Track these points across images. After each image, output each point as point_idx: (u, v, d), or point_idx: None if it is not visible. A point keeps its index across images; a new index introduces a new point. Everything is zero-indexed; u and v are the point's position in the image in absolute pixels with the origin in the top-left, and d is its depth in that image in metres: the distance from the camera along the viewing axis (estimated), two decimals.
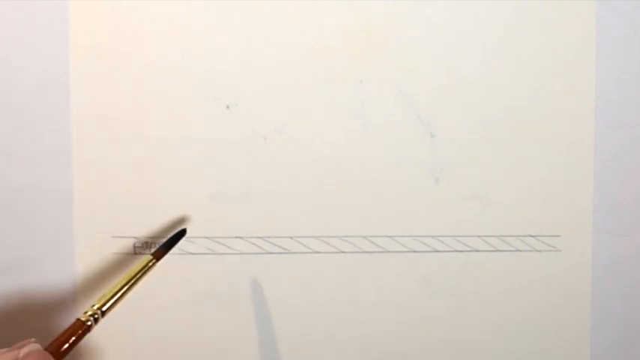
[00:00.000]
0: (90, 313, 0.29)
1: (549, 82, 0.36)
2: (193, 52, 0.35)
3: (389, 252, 0.36)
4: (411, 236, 0.36)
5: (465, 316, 0.37)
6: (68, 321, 0.35)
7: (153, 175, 0.35)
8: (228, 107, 0.35)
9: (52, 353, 0.28)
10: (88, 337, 0.35)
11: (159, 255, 0.33)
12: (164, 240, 0.34)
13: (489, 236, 0.36)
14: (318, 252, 0.36)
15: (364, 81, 0.36)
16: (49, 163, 0.35)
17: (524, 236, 0.36)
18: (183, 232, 0.35)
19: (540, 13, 0.36)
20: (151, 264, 0.33)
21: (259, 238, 0.36)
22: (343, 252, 0.36)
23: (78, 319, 0.29)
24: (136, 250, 0.35)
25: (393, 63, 0.36)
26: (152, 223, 0.35)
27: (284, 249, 0.36)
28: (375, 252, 0.36)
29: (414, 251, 0.36)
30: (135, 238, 0.35)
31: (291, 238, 0.36)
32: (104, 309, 0.30)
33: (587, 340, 0.37)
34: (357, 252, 0.36)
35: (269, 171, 0.36)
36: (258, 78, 0.35)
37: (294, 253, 0.36)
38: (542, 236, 0.37)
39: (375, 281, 0.36)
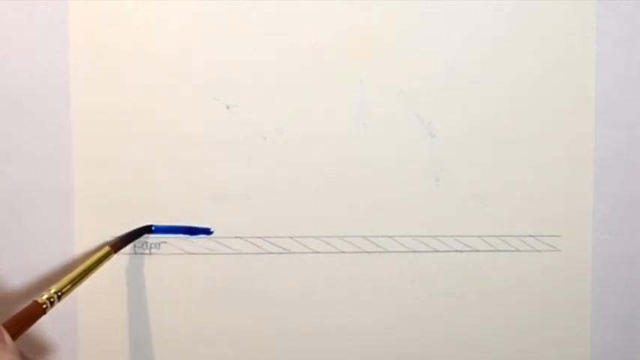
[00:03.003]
0: (47, 296, 0.30)
1: (549, 82, 0.36)
2: (193, 52, 0.35)
3: (389, 252, 0.36)
4: (411, 236, 0.36)
5: (465, 316, 0.37)
6: (68, 322, 0.35)
7: (153, 175, 0.35)
8: (228, 107, 0.35)
9: (6, 329, 0.28)
10: (89, 336, 0.35)
11: (117, 247, 0.34)
12: (127, 232, 0.35)
13: (489, 236, 0.36)
14: (318, 252, 0.36)
15: (364, 81, 0.36)
16: (49, 163, 0.35)
17: (524, 236, 0.37)
18: (147, 229, 0.35)
19: (540, 13, 0.36)
20: (108, 255, 0.33)
21: (259, 238, 0.36)
22: (343, 252, 0.36)
23: (35, 301, 0.30)
24: (136, 250, 0.35)
25: (393, 63, 0.36)
26: (152, 223, 0.35)
27: (284, 249, 0.36)
28: (375, 252, 0.36)
29: (414, 251, 0.36)
30: None
31: (291, 238, 0.36)
32: (60, 294, 0.30)
33: (587, 340, 0.37)
34: (357, 252, 0.36)
35: (269, 171, 0.36)
36: (258, 78, 0.35)
37: (294, 253, 0.36)
38: (542, 236, 0.37)
39: (375, 281, 0.36)
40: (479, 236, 0.36)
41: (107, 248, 0.33)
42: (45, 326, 0.35)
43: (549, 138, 0.36)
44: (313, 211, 0.36)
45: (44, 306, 0.30)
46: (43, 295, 0.30)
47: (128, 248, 0.35)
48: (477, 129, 0.36)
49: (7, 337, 0.27)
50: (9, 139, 0.35)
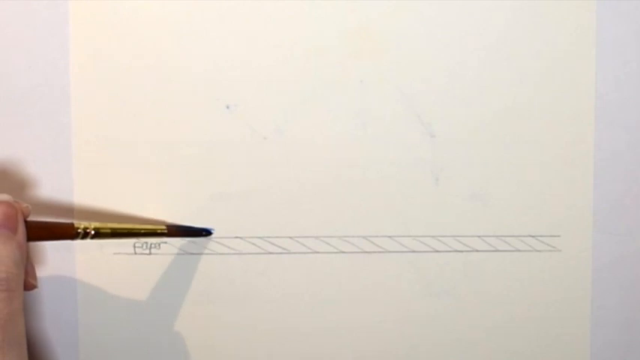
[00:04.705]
0: (84, 225, 0.30)
1: (549, 82, 0.36)
2: (193, 53, 0.35)
3: (389, 252, 0.36)
4: (411, 236, 0.36)
5: (465, 316, 0.37)
6: (68, 323, 0.35)
7: (153, 175, 0.35)
8: (228, 107, 0.35)
9: (29, 226, 0.28)
10: (89, 336, 0.35)
11: (172, 232, 0.34)
12: (189, 226, 0.35)
13: (489, 236, 0.36)
14: (318, 252, 0.36)
15: (364, 81, 0.36)
16: (49, 163, 0.35)
17: (524, 236, 0.36)
18: (207, 232, 0.35)
19: (540, 13, 0.36)
20: (160, 232, 0.34)
21: (259, 238, 0.36)
22: (343, 252, 0.36)
23: (72, 223, 0.30)
24: (136, 250, 0.35)
25: (393, 63, 0.36)
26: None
27: (284, 249, 0.36)
28: (374, 252, 0.36)
29: (414, 251, 0.36)
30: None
31: (291, 238, 0.36)
32: (97, 232, 0.31)
33: (586, 339, 0.37)
34: (356, 252, 0.36)
35: (269, 171, 0.36)
36: (258, 78, 0.35)
37: (294, 253, 0.36)
38: (542, 236, 0.37)
39: (375, 281, 0.36)
40: (479, 236, 0.36)
41: (164, 227, 0.34)
42: (45, 326, 0.35)
43: (549, 138, 0.36)
44: (313, 211, 0.36)
45: (78, 230, 0.30)
46: (82, 223, 0.30)
47: (128, 248, 0.35)
48: (477, 129, 0.36)
49: (22, 231, 0.27)
50: (9, 138, 0.35)
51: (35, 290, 0.35)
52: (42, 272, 0.35)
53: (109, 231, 0.31)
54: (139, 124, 0.35)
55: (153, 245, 0.35)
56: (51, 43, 0.35)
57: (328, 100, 0.36)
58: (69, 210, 0.35)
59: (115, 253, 0.35)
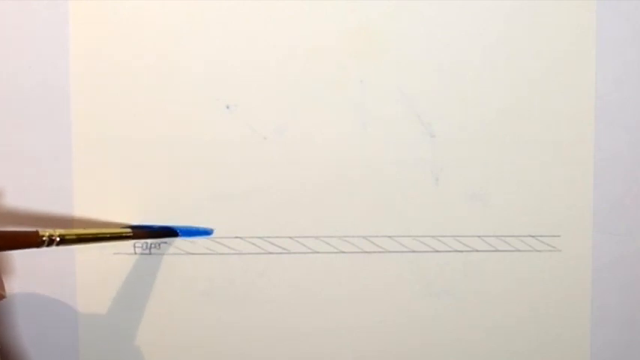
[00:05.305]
0: (49, 233, 0.30)
1: (549, 82, 0.36)
2: (193, 53, 0.35)
3: (389, 252, 0.36)
4: (411, 236, 0.36)
5: (465, 316, 0.37)
6: (68, 323, 0.35)
7: (153, 175, 0.35)
8: (228, 107, 0.35)
9: None
10: (89, 336, 0.35)
11: (137, 235, 0.34)
12: (157, 226, 0.35)
13: (489, 236, 0.36)
14: (318, 252, 0.36)
15: (364, 81, 0.36)
16: (49, 163, 0.35)
17: (524, 236, 0.37)
18: (175, 232, 0.35)
19: (540, 13, 0.36)
20: (125, 235, 0.33)
21: (259, 238, 0.36)
22: (343, 252, 0.36)
23: (37, 231, 0.30)
24: (136, 250, 0.35)
25: (393, 63, 0.36)
26: (152, 223, 0.35)
27: (284, 249, 0.36)
28: (374, 252, 0.36)
29: (414, 251, 0.36)
30: None
31: (291, 238, 0.36)
32: (62, 238, 0.30)
33: (586, 339, 0.37)
34: (356, 252, 0.36)
35: (269, 171, 0.36)
36: (258, 78, 0.35)
37: (294, 253, 0.36)
38: (542, 236, 0.37)
39: (375, 281, 0.36)
40: (479, 236, 0.36)
41: (129, 230, 0.34)
42: (45, 326, 0.35)
43: (549, 138, 0.36)
44: (313, 211, 0.36)
45: (43, 238, 0.29)
46: (47, 231, 0.30)
47: (128, 249, 0.35)
48: (477, 129, 0.36)
49: None
50: (9, 138, 0.35)
51: (35, 290, 0.35)
52: (42, 272, 0.35)
53: (74, 237, 0.31)
54: (139, 124, 0.35)
55: (153, 245, 0.35)
56: (51, 43, 0.35)
57: (328, 100, 0.36)
58: (68, 210, 0.35)
59: (115, 253, 0.35)
